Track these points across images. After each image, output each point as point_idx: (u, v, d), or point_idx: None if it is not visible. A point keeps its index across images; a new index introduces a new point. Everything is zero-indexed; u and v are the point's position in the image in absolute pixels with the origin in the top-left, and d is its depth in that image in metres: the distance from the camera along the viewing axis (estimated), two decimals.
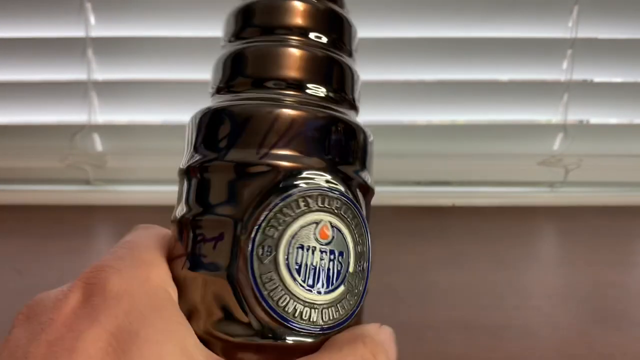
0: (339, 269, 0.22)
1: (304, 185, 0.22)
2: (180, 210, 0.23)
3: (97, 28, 0.65)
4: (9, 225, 0.62)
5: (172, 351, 0.19)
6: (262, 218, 0.21)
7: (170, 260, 0.23)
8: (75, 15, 0.64)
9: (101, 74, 0.66)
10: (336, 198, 0.22)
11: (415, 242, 0.59)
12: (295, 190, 0.21)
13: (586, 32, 0.65)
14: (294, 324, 0.21)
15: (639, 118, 0.70)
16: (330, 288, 0.22)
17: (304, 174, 0.22)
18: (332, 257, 0.22)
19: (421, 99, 0.67)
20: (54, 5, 0.64)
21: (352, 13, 0.26)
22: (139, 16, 0.65)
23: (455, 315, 0.45)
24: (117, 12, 0.65)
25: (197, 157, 0.23)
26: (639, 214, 0.66)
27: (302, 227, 0.21)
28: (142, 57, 0.66)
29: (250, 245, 0.21)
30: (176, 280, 0.23)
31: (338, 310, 0.22)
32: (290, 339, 0.21)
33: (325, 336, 0.22)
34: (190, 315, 0.22)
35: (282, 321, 0.21)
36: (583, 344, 0.42)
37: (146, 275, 0.21)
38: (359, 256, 0.23)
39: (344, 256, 0.22)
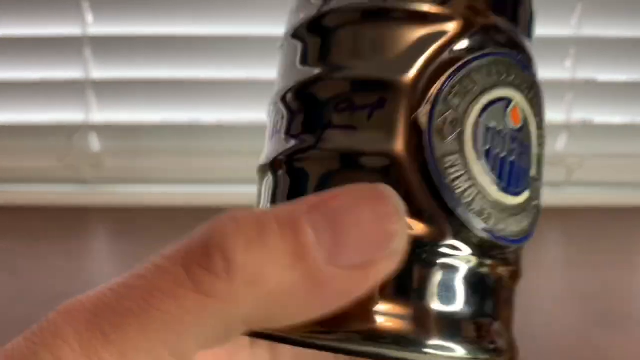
0: (524, 167, 0.17)
1: (496, 50, 0.17)
2: (304, 75, 0.17)
3: (95, 26, 0.64)
4: (3, 226, 0.61)
5: None
6: (445, 82, 0.15)
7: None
8: (73, 13, 0.63)
9: (99, 73, 0.65)
10: (528, 76, 0.17)
11: None
12: (487, 52, 0.16)
13: (590, 30, 0.64)
14: (478, 232, 0.16)
15: None
16: (517, 189, 0.17)
17: (496, 39, 0.17)
18: (521, 150, 0.17)
19: None
20: (51, 3, 0.64)
21: None
22: (137, 14, 0.64)
23: None
24: (115, 10, 0.64)
25: None
26: None
27: (491, 102, 0.16)
28: (141, 56, 0.65)
29: (428, 116, 0.15)
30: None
31: (519, 223, 0.17)
32: None
33: None
34: None
35: (466, 225, 0.16)
36: (585, 345, 0.41)
37: None
38: (538, 161, 0.18)
39: (527, 153, 0.17)
